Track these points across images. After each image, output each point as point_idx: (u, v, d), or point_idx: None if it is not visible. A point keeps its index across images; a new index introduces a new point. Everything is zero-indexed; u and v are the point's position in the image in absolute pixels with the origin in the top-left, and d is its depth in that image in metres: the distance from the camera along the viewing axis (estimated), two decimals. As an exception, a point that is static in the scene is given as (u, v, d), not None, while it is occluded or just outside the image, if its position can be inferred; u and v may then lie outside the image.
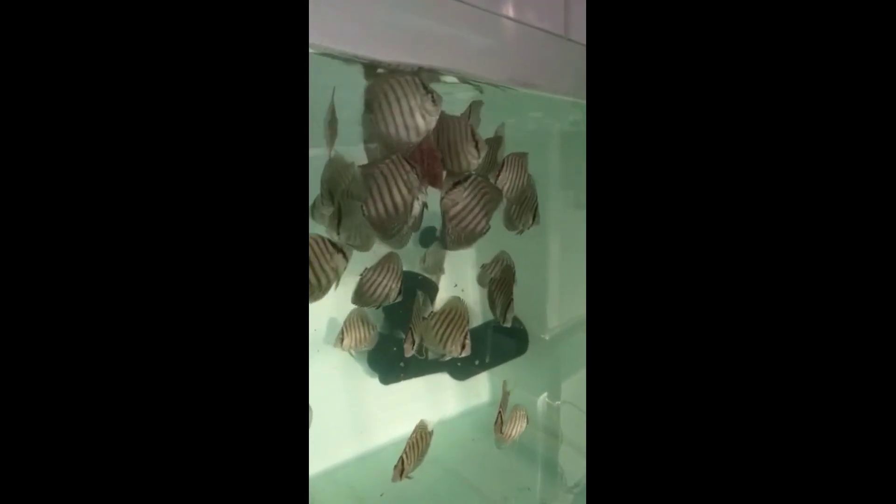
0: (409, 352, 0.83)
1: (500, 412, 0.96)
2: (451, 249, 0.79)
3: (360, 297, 0.77)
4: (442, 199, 0.70)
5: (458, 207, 0.71)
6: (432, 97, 0.62)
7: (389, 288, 0.77)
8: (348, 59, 0.53)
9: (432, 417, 1.35)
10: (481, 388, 1.46)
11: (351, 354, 0.96)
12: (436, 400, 1.36)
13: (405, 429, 1.27)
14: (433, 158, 0.71)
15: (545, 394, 1.38)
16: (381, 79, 0.61)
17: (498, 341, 1.29)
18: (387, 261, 0.77)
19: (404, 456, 0.83)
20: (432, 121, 0.63)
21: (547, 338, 1.34)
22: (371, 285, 0.76)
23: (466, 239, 0.75)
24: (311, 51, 0.48)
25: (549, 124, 1.12)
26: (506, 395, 0.99)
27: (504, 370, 1.36)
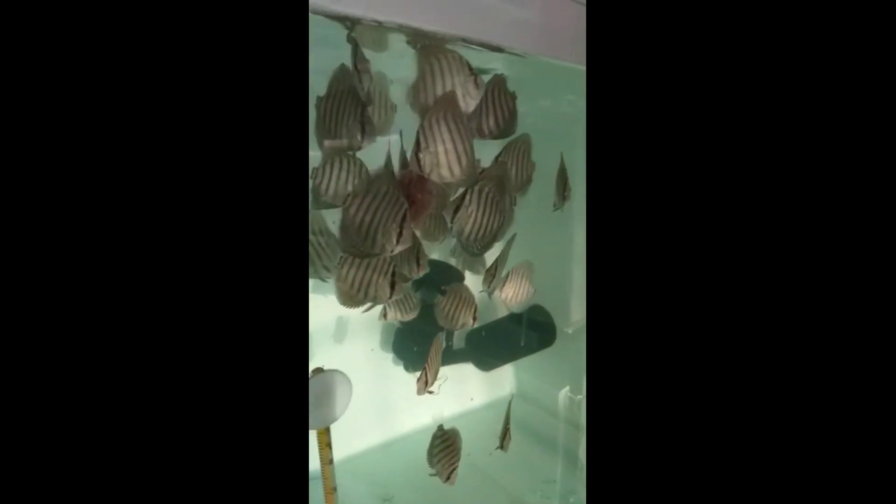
0: (422, 391, 0.86)
1: (507, 428, 0.94)
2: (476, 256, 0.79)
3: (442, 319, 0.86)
4: (451, 225, 0.68)
5: (469, 226, 0.68)
6: (475, 80, 0.59)
7: (466, 317, 0.85)
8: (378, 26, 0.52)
9: (456, 408, 1.35)
10: (505, 379, 1.45)
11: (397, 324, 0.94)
12: (460, 390, 1.36)
13: (428, 418, 1.27)
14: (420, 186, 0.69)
15: (567, 387, 1.37)
16: (429, 51, 0.59)
17: (525, 333, 1.28)
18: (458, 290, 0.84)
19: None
20: (472, 104, 0.61)
21: (570, 331, 1.32)
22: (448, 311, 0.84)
23: (486, 247, 0.74)
24: (337, 14, 0.47)
25: (582, 107, 1.08)
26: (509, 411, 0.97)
27: (527, 363, 1.34)
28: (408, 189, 0.68)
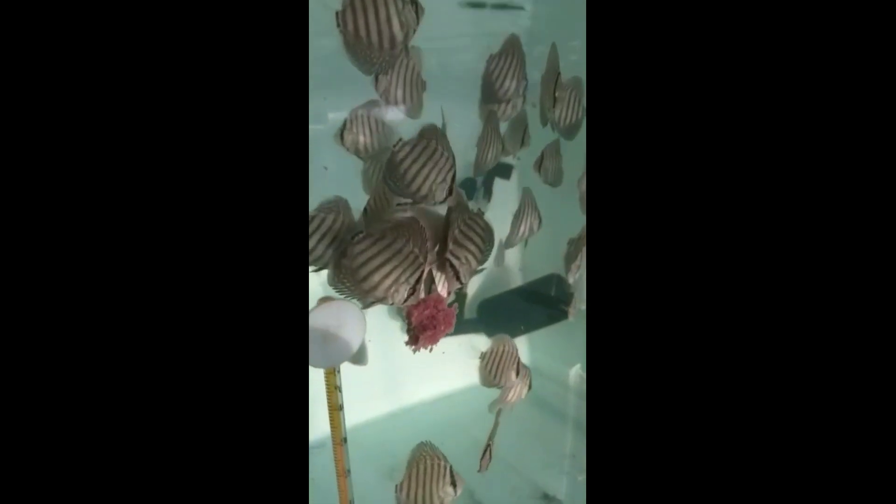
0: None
1: (489, 444, 0.86)
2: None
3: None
4: (464, 286, 0.69)
5: (474, 263, 0.67)
6: (414, 6, 0.56)
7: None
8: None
9: (465, 380, 1.33)
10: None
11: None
12: (469, 362, 1.33)
13: (436, 389, 1.24)
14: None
15: (578, 364, 1.32)
16: None
17: (540, 305, 1.23)
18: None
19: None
20: (411, 33, 0.57)
21: (583, 307, 1.27)
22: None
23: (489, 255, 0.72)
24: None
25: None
26: (496, 425, 0.90)
27: (539, 340, 1.29)
28: (430, 316, 0.68)
